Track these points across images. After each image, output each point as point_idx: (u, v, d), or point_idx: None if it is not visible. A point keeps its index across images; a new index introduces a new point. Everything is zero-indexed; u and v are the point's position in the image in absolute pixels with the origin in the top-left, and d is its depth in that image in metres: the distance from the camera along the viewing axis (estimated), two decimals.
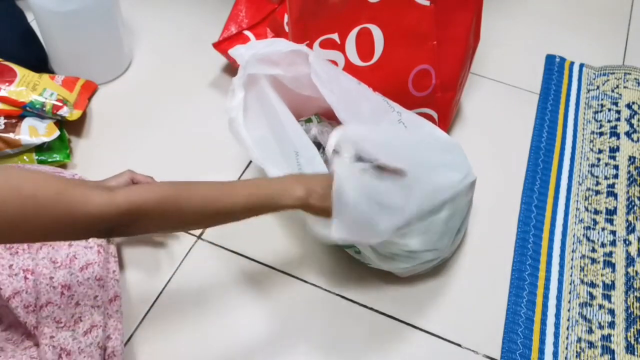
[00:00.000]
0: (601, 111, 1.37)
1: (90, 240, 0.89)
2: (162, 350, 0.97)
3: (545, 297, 1.06)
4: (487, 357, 0.99)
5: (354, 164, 0.85)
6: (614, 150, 1.28)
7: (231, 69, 1.39)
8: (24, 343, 0.83)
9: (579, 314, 1.04)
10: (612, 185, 1.22)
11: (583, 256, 1.12)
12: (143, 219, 0.68)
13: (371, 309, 1.04)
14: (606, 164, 1.26)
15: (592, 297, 1.06)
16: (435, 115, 1.22)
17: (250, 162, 1.21)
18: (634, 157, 1.27)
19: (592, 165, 1.26)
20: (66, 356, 0.81)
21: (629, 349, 1.00)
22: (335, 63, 1.15)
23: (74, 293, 0.85)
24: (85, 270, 0.87)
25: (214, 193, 0.74)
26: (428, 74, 1.17)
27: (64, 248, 0.87)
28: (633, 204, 1.19)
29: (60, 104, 1.19)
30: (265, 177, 0.89)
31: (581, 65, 1.48)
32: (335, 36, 1.13)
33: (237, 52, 1.00)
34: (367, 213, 0.83)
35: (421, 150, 0.95)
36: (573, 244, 1.13)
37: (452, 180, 0.95)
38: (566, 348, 1.00)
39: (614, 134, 1.31)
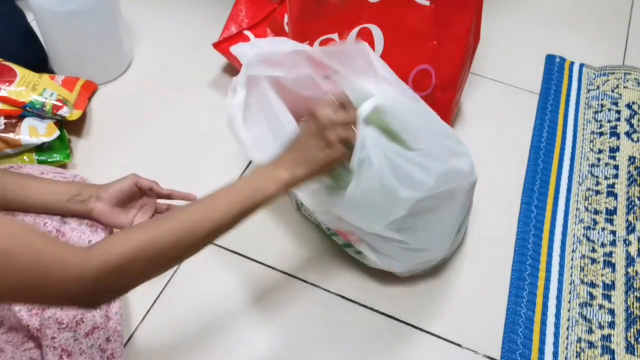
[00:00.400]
0: (601, 111, 1.37)
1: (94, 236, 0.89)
2: (162, 351, 0.97)
3: (545, 297, 1.06)
4: (487, 357, 0.99)
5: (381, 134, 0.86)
6: (614, 150, 1.28)
7: (231, 68, 1.39)
8: (24, 345, 0.84)
9: (579, 314, 1.04)
10: (612, 185, 1.22)
11: (583, 256, 1.12)
12: (125, 274, 0.64)
13: (371, 309, 1.04)
14: (606, 164, 1.26)
15: (592, 297, 1.06)
16: None
17: (251, 161, 1.22)
18: (634, 157, 1.26)
19: (592, 165, 1.26)
20: (67, 357, 0.81)
21: (629, 349, 1.00)
22: None
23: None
24: None
25: (196, 217, 0.71)
26: (428, 74, 1.17)
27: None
28: (633, 204, 1.19)
29: (60, 104, 1.19)
30: (241, 178, 0.87)
31: (581, 65, 1.48)
32: (335, 36, 1.13)
33: (240, 50, 0.99)
34: (390, 180, 0.84)
35: (439, 135, 0.95)
36: (573, 244, 1.13)
37: (463, 169, 0.95)
38: (566, 348, 1.00)
39: (614, 134, 1.31)
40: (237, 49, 1.01)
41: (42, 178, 0.88)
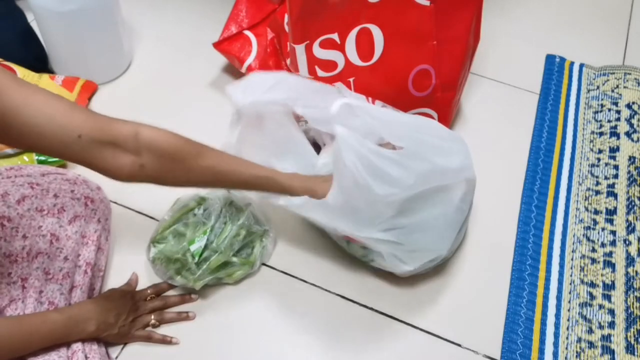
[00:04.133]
0: (601, 111, 1.37)
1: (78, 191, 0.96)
2: (160, 353, 0.98)
3: (545, 297, 1.06)
4: (487, 357, 0.99)
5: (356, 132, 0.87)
6: (614, 150, 1.28)
7: (231, 68, 1.39)
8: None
9: (579, 314, 1.04)
10: (612, 185, 1.22)
11: (583, 256, 1.12)
12: (163, 164, 0.78)
13: (371, 309, 1.04)
14: (606, 164, 1.26)
15: (592, 297, 1.06)
16: (435, 115, 1.22)
17: None
18: (634, 157, 1.27)
19: (592, 165, 1.26)
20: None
21: (629, 349, 1.00)
22: (335, 63, 1.15)
23: (62, 246, 0.89)
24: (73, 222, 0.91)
25: (223, 167, 0.86)
26: (428, 74, 1.17)
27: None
28: (633, 204, 1.19)
29: None
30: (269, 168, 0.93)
31: (581, 65, 1.48)
32: (335, 36, 1.13)
33: (234, 95, 0.98)
34: (364, 178, 0.85)
35: (421, 133, 0.96)
36: (573, 244, 1.13)
37: (452, 165, 0.95)
38: (566, 348, 1.00)
39: (614, 134, 1.31)
40: (231, 91, 0.98)
41: None
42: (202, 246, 0.98)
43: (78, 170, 1.18)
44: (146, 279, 1.03)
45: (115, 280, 1.02)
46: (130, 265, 1.04)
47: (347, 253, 1.07)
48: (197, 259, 0.97)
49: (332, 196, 0.89)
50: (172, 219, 1.02)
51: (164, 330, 0.98)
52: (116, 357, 0.94)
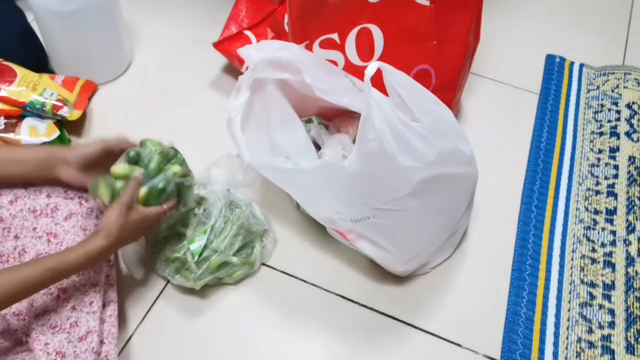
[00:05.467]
0: (601, 111, 1.37)
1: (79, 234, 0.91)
2: (160, 353, 0.98)
3: (545, 297, 1.06)
4: (487, 357, 0.99)
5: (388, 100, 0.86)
6: (614, 150, 1.28)
7: (231, 68, 1.39)
8: (16, 348, 0.84)
9: (579, 314, 1.04)
10: (612, 185, 1.22)
11: (583, 256, 1.12)
12: None
13: (371, 309, 1.04)
14: (606, 164, 1.26)
15: (592, 297, 1.06)
16: None
17: None
18: (634, 157, 1.26)
19: (592, 165, 1.26)
20: (61, 358, 0.81)
21: (629, 349, 1.00)
22: (335, 63, 1.15)
23: (70, 297, 0.86)
24: (81, 276, 0.87)
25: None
26: (428, 74, 1.17)
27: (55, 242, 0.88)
28: (633, 204, 1.19)
29: (60, 104, 1.19)
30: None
31: (581, 65, 1.48)
32: (335, 36, 1.12)
33: (247, 53, 0.99)
34: (391, 145, 0.83)
35: (443, 117, 0.95)
36: (573, 244, 1.13)
37: (466, 153, 0.95)
38: (566, 348, 1.00)
39: (614, 134, 1.31)
40: (243, 52, 1.01)
41: (6, 147, 0.89)
42: (202, 245, 0.98)
43: None
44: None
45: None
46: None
47: (338, 245, 1.07)
48: (196, 258, 0.97)
49: (350, 162, 0.86)
50: (172, 219, 1.02)
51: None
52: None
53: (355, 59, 1.15)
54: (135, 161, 0.91)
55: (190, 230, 1.00)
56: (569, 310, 1.04)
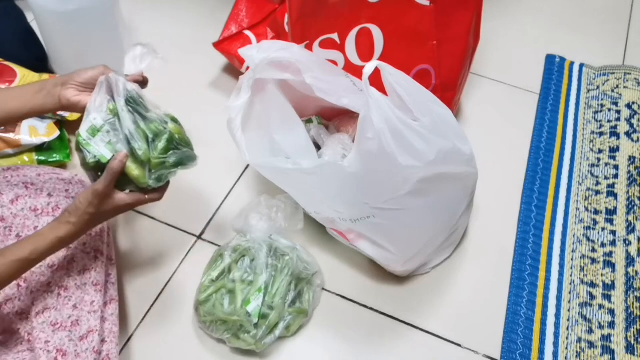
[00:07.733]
0: (601, 111, 1.37)
1: (87, 245, 0.90)
2: (161, 352, 0.97)
3: (545, 297, 1.06)
4: (487, 357, 0.99)
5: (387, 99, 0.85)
6: (614, 150, 1.28)
7: (231, 68, 1.39)
8: (17, 347, 0.83)
9: (579, 314, 1.04)
10: (612, 185, 1.22)
11: (583, 256, 1.12)
12: None
13: (371, 309, 1.04)
14: (606, 164, 1.26)
15: (592, 297, 1.06)
16: None
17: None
18: (634, 157, 1.26)
19: (592, 165, 1.26)
20: (62, 357, 0.81)
21: (629, 349, 1.00)
22: (335, 63, 1.15)
23: (71, 295, 0.85)
24: (82, 275, 0.87)
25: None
26: (428, 74, 1.17)
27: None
28: (633, 204, 1.19)
29: None
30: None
31: (581, 65, 1.48)
32: (335, 36, 1.12)
33: (248, 53, 0.99)
34: (390, 145, 0.83)
35: (443, 116, 0.94)
36: (573, 244, 1.13)
37: (466, 153, 0.95)
38: (566, 348, 1.00)
39: (614, 134, 1.31)
40: (245, 52, 1.00)
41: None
42: (259, 305, 0.92)
43: (77, 170, 1.18)
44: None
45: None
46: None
47: (338, 245, 1.07)
48: (257, 320, 0.92)
49: (349, 161, 0.86)
50: (214, 276, 0.97)
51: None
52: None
53: (355, 59, 1.15)
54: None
55: (239, 287, 0.94)
56: (569, 310, 1.04)
